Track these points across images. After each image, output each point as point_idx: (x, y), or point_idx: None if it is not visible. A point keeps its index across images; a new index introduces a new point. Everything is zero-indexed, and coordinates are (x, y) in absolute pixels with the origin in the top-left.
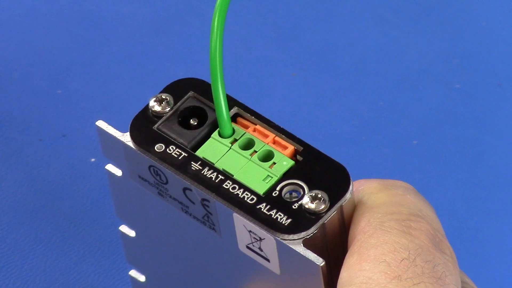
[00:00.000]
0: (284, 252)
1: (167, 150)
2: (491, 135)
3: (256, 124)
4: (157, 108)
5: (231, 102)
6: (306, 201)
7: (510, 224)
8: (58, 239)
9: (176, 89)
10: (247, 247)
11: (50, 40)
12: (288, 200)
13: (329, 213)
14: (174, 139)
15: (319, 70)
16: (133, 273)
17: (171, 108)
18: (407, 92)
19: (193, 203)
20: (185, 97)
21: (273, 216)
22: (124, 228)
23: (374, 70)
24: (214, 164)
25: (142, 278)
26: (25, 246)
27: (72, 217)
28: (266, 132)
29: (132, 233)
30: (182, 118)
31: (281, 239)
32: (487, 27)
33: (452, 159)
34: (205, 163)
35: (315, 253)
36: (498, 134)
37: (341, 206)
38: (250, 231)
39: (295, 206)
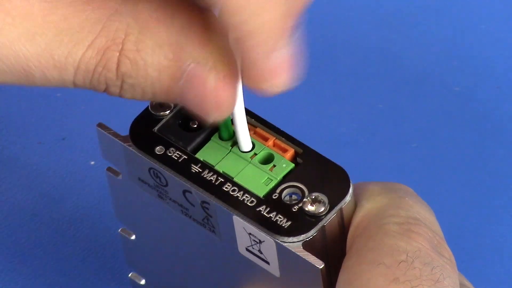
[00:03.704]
0: (284, 255)
1: (167, 152)
2: (491, 137)
3: (256, 127)
4: (157, 110)
5: None
6: (306, 203)
7: (510, 227)
8: (58, 242)
9: None
10: (247, 249)
11: None
12: (288, 202)
13: (328, 215)
14: (174, 141)
15: (318, 72)
16: (133, 275)
17: (171, 111)
18: (406, 95)
19: (193, 205)
20: None
21: (273, 218)
22: (124, 231)
23: (373, 73)
24: (214, 167)
25: (142, 280)
26: (24, 249)
27: (71, 220)
28: (266, 134)
29: (132, 236)
30: (182, 120)
31: (281, 241)
32: (486, 29)
33: (452, 162)
34: (205, 165)
35: (315, 256)
36: (497, 137)
37: (340, 209)
38: (250, 234)
39: (295, 209)
